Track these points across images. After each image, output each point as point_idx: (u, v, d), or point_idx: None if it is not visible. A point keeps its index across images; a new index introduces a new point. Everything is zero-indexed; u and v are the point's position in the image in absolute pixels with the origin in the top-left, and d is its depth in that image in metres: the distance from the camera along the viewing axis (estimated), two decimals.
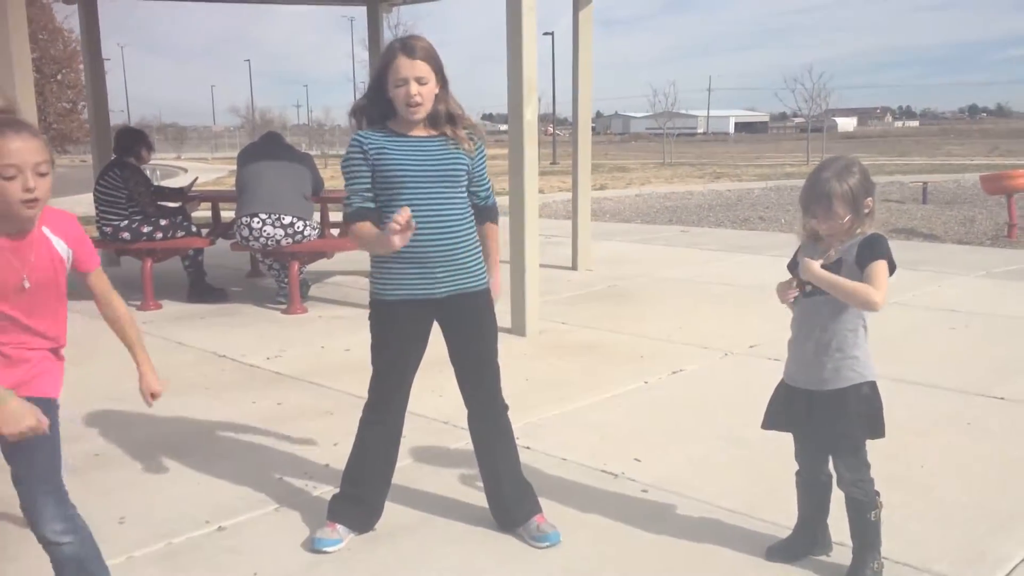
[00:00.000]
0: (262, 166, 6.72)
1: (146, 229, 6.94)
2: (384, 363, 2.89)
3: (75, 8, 9.59)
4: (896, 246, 2.52)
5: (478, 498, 3.17)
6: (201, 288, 7.26)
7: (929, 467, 3.49)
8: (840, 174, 2.47)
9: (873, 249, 2.45)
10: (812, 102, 37.47)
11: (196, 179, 8.60)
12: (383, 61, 2.73)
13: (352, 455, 2.98)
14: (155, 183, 7.80)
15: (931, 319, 6.07)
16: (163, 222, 7.03)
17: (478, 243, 2.91)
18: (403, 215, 2.50)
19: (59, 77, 42.04)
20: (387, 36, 10.74)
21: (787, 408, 2.66)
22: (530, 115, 5.60)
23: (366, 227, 2.75)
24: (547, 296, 6.79)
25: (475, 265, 2.88)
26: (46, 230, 2.19)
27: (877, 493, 2.59)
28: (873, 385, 2.56)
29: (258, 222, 6.54)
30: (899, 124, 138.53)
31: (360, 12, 10.36)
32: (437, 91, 2.75)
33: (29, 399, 2.16)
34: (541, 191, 19.21)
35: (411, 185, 2.74)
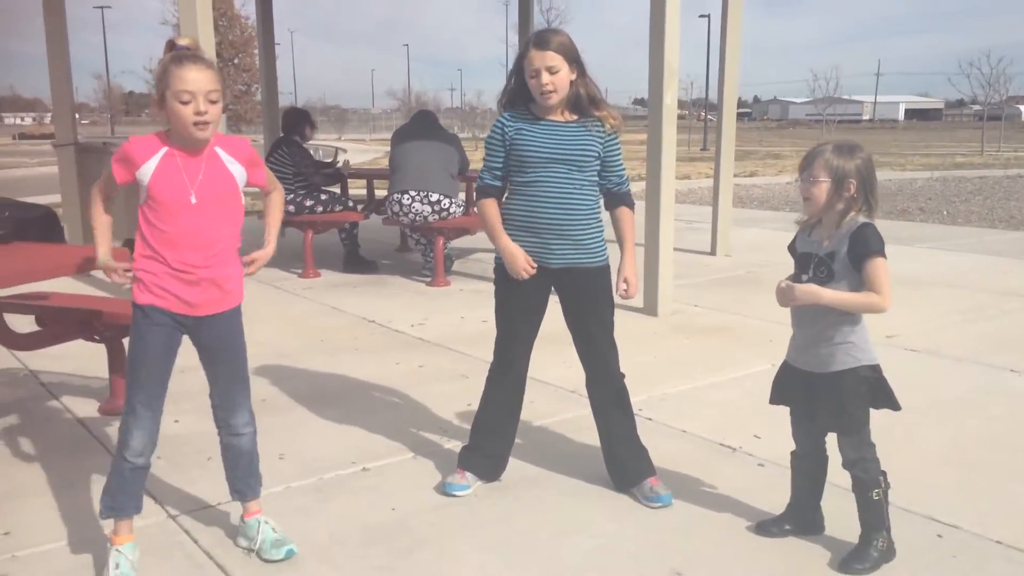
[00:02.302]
0: (413, 146, 7.13)
1: (308, 203, 7.51)
2: (502, 322, 3.14)
3: None
4: None
5: (597, 459, 3.36)
6: (355, 259, 7.80)
7: None
8: (838, 148, 2.52)
9: (865, 244, 2.46)
10: (990, 88, 34.99)
11: (340, 161, 9.12)
12: (519, 55, 2.97)
13: (479, 410, 3.25)
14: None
15: None
16: (323, 196, 7.59)
17: (599, 223, 3.06)
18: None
19: (236, 61, 45.01)
20: (538, 20, 10.99)
21: (787, 386, 2.72)
22: (670, 99, 5.69)
23: (491, 210, 3.04)
24: (683, 279, 6.87)
25: (592, 242, 3.02)
26: (219, 150, 2.53)
27: (883, 473, 2.61)
28: (872, 367, 2.57)
29: (408, 199, 6.96)
30: None
31: None
32: (573, 78, 2.94)
33: (225, 312, 2.59)
34: (688, 177, 19.09)
35: (537, 164, 2.96)
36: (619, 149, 3.09)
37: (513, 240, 3.01)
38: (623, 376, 3.19)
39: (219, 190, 2.52)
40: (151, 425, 2.55)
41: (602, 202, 3.09)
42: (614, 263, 3.09)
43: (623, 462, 3.16)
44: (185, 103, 2.40)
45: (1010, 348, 5.06)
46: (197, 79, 2.40)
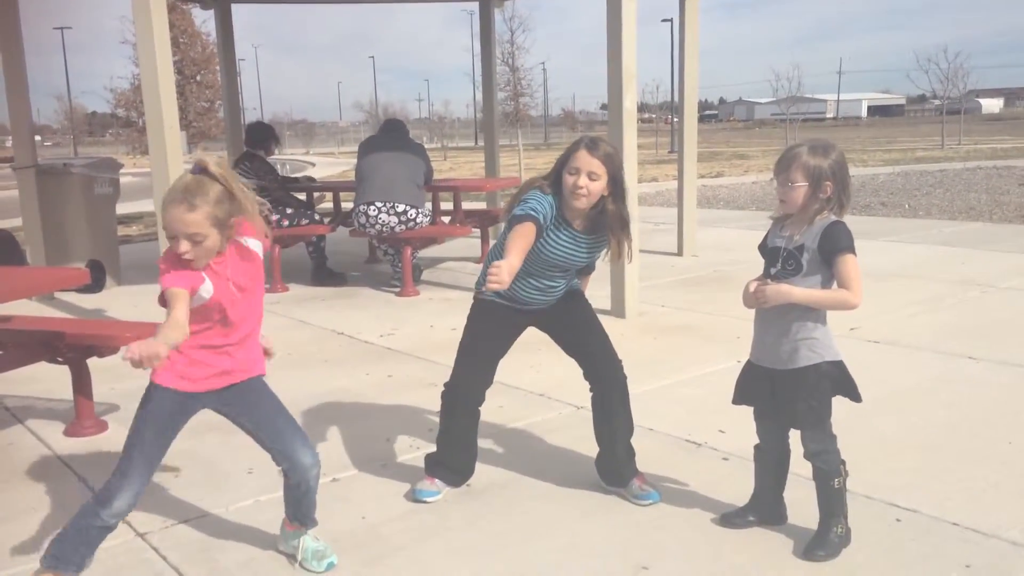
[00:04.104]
0: (379, 157, 7.14)
1: (274, 217, 7.50)
2: (467, 349, 3.19)
3: (211, 13, 10.34)
4: None
5: (566, 461, 3.41)
6: (323, 272, 7.79)
7: (1017, 444, 3.49)
8: (813, 149, 2.56)
9: (837, 240, 2.51)
10: (948, 83, 35.58)
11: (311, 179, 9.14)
12: (568, 150, 2.97)
13: (440, 430, 3.28)
14: (282, 175, 8.37)
15: None
16: (289, 210, 7.58)
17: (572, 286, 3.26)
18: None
19: (198, 78, 44.70)
20: (502, 30, 11.07)
21: (751, 385, 2.78)
22: (629, 103, 5.76)
23: (526, 230, 2.81)
24: (650, 280, 6.94)
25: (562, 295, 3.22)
26: (240, 239, 2.49)
27: (843, 462, 2.67)
28: (835, 364, 2.62)
29: (374, 210, 6.97)
30: None
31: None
32: (606, 192, 2.95)
33: (251, 379, 2.64)
34: (655, 179, 19.18)
35: (541, 265, 3.05)
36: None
37: (494, 296, 3.12)
38: (625, 375, 3.23)
39: (248, 273, 2.54)
40: (142, 488, 2.53)
41: None
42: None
43: (621, 463, 3.18)
44: (174, 239, 2.37)
45: (968, 336, 5.18)
46: (173, 222, 2.33)
